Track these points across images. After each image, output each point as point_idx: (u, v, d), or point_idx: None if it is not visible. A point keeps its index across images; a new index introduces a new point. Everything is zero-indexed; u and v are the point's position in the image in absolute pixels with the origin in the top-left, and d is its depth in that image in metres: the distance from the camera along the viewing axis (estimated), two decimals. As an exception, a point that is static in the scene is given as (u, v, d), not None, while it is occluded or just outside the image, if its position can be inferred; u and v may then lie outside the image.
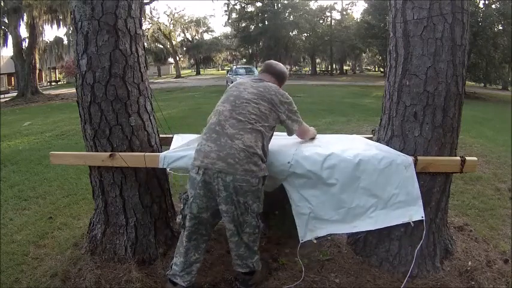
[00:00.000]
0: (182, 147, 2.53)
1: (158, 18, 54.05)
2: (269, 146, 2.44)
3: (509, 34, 18.68)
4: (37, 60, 22.07)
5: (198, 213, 2.12)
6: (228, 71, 24.38)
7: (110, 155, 2.44)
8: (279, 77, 2.44)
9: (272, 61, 2.55)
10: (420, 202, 2.28)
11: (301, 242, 2.33)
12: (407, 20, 2.31)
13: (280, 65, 2.51)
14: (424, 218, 2.28)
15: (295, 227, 2.34)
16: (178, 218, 2.24)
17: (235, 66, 26.26)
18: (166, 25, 41.56)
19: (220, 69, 59.51)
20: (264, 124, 2.13)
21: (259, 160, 2.04)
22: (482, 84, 26.24)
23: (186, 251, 2.18)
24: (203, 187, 2.06)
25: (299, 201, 2.31)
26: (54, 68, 38.68)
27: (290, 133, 2.43)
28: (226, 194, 2.01)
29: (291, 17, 36.83)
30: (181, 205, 2.22)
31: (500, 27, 20.11)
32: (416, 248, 2.35)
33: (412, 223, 2.29)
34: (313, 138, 2.64)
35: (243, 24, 38.08)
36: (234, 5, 37.89)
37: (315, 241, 2.32)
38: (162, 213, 2.78)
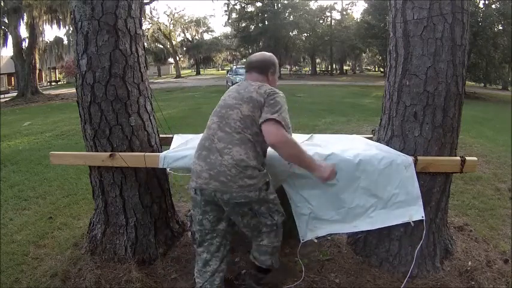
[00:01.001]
0: (182, 147, 2.53)
1: (158, 18, 54.15)
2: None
3: (509, 34, 18.68)
4: (37, 60, 22.06)
5: (212, 227, 2.06)
6: (228, 71, 24.38)
7: (110, 155, 2.44)
8: (261, 68, 2.13)
9: (251, 56, 2.25)
10: (420, 202, 2.28)
11: (301, 242, 2.33)
12: (407, 20, 2.31)
13: (258, 54, 2.21)
14: (424, 218, 2.28)
15: (295, 226, 2.34)
16: (190, 236, 2.20)
17: (235, 66, 26.28)
18: (166, 25, 41.56)
19: (220, 69, 59.50)
20: (252, 129, 1.91)
21: (254, 171, 1.88)
22: (482, 84, 26.23)
23: (204, 264, 2.11)
24: (206, 205, 2.00)
25: (299, 201, 2.31)
26: (54, 68, 38.65)
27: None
28: (229, 209, 1.96)
29: (291, 17, 36.81)
30: (189, 223, 2.19)
31: (500, 27, 20.11)
32: (417, 248, 2.35)
33: (412, 223, 2.29)
34: (292, 153, 1.94)
35: (243, 24, 38.06)
36: (234, 5, 37.89)
37: (315, 240, 2.33)
38: (162, 213, 2.78)
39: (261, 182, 1.92)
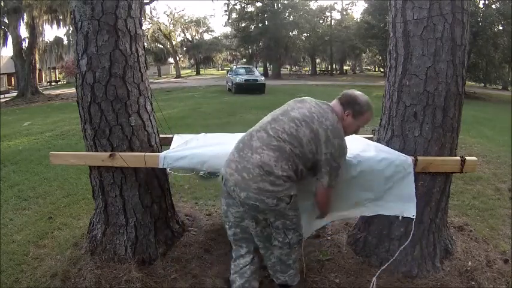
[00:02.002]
0: (182, 147, 2.53)
1: (158, 18, 54.12)
2: None
3: (509, 34, 18.68)
4: (37, 60, 22.04)
5: (236, 223, 2.05)
6: (228, 71, 24.35)
7: (110, 155, 2.44)
8: (347, 104, 2.01)
9: (352, 90, 2.11)
10: (414, 201, 2.29)
11: (304, 239, 2.32)
12: (407, 20, 2.31)
13: (356, 93, 2.06)
14: (414, 217, 2.28)
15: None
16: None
17: (235, 66, 26.24)
18: (166, 25, 41.55)
19: (220, 69, 59.49)
20: (294, 149, 1.85)
21: (278, 180, 1.81)
22: (482, 84, 26.25)
23: (237, 257, 2.13)
24: (229, 197, 1.97)
25: (300, 200, 2.31)
26: (54, 68, 38.64)
27: (316, 181, 2.03)
28: (244, 210, 1.92)
29: (291, 17, 36.78)
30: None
31: (500, 27, 20.12)
32: (420, 251, 2.35)
33: (400, 217, 2.32)
34: (324, 213, 2.24)
35: (243, 24, 38.02)
36: (234, 5, 37.85)
37: (314, 233, 2.35)
38: (162, 213, 2.78)
39: (283, 192, 1.84)
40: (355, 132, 2.12)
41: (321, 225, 2.48)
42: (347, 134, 2.05)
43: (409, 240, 2.31)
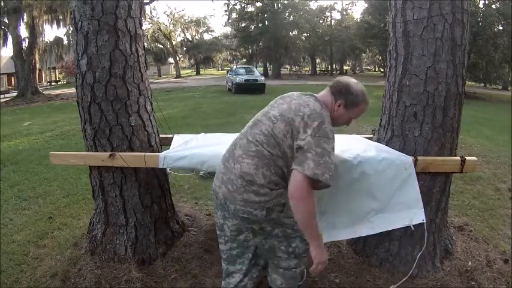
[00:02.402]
0: (182, 147, 2.53)
1: (158, 18, 54.08)
2: None
3: (509, 34, 18.68)
4: (37, 60, 22.04)
5: (233, 237, 1.89)
6: (228, 71, 24.35)
7: (110, 155, 2.44)
8: (339, 93, 1.81)
9: (346, 77, 1.92)
10: (421, 204, 2.24)
11: None
12: (407, 20, 2.31)
13: (350, 81, 1.86)
14: (424, 221, 2.25)
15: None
16: None
17: (235, 66, 26.24)
18: (166, 25, 41.55)
19: (220, 69, 59.50)
20: (274, 149, 1.67)
21: (262, 189, 1.66)
22: (482, 84, 26.25)
23: (227, 275, 1.96)
24: (223, 209, 1.83)
25: None
26: (54, 68, 38.63)
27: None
28: (239, 222, 1.79)
29: (291, 17, 36.77)
30: None
31: (500, 27, 20.12)
32: (419, 251, 2.34)
33: (412, 227, 2.27)
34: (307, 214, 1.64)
35: (243, 24, 38.01)
36: (234, 5, 37.85)
37: None
38: (162, 213, 2.78)
39: (271, 202, 1.68)
40: (347, 123, 1.91)
41: (324, 241, 2.27)
42: (337, 124, 1.85)
43: (425, 244, 2.28)
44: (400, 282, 2.29)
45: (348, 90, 1.80)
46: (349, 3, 44.61)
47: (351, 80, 1.86)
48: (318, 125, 1.63)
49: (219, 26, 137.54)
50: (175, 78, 38.47)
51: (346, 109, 1.81)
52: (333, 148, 1.66)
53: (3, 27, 21.06)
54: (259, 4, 36.90)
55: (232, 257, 1.94)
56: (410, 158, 2.27)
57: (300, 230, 1.76)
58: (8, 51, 25.98)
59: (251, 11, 37.45)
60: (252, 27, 37.70)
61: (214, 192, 1.81)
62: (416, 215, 2.25)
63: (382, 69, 41.24)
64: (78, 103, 2.58)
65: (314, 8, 40.18)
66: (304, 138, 1.61)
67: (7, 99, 20.70)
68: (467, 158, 2.33)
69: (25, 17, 20.43)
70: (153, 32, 39.10)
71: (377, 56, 40.12)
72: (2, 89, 28.69)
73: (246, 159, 1.69)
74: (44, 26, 21.96)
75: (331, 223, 2.27)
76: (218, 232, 1.94)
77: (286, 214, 1.75)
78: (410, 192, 2.25)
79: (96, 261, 2.56)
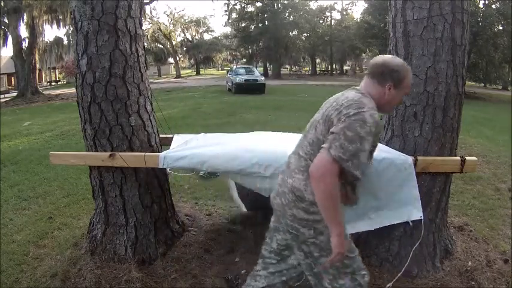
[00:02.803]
0: (182, 147, 2.53)
1: (158, 18, 54.09)
2: (265, 146, 2.39)
3: (509, 34, 18.68)
4: (37, 60, 22.03)
5: (278, 249, 1.82)
6: (228, 71, 24.35)
7: (110, 155, 2.44)
8: (381, 75, 1.61)
9: (379, 56, 1.70)
10: (419, 202, 2.27)
11: None
12: (407, 20, 2.31)
13: (385, 58, 1.67)
14: (422, 218, 2.28)
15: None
16: None
17: (235, 66, 26.24)
18: (166, 25, 41.56)
19: (220, 69, 59.48)
20: None
21: (311, 207, 1.57)
22: (482, 84, 26.25)
23: (253, 276, 1.90)
24: (277, 221, 1.78)
25: None
26: (54, 68, 38.63)
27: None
28: (288, 238, 1.72)
29: (291, 17, 36.80)
30: None
31: (500, 27, 20.12)
32: (413, 248, 2.34)
33: (410, 223, 2.29)
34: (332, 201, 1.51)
35: (243, 24, 38.03)
36: (234, 5, 37.87)
37: None
38: (162, 213, 2.78)
39: (321, 223, 1.58)
40: (400, 102, 1.75)
41: None
42: (391, 108, 1.72)
43: (420, 239, 2.29)
44: (395, 280, 2.29)
45: (389, 69, 1.61)
46: (349, 3, 44.63)
47: (386, 57, 1.69)
48: (354, 111, 1.48)
49: (219, 26, 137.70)
50: (175, 78, 38.48)
51: (397, 89, 1.62)
52: (368, 133, 1.46)
53: (3, 27, 21.06)
54: (259, 4, 36.91)
55: (268, 264, 1.87)
56: (410, 158, 2.27)
57: (350, 265, 1.66)
58: (8, 51, 26.00)
59: (251, 11, 37.47)
60: (252, 27, 37.72)
61: (271, 202, 1.75)
62: (414, 212, 2.28)
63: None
64: (78, 103, 2.58)
65: (314, 8, 40.25)
66: (337, 125, 1.49)
67: (7, 99, 20.71)
68: (467, 158, 2.33)
69: (25, 17, 20.43)
70: (153, 32, 39.11)
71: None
72: (2, 89, 28.70)
73: (297, 175, 1.63)
74: (44, 26, 21.99)
75: None
76: (267, 238, 1.87)
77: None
78: (409, 191, 2.27)
79: (96, 261, 2.56)
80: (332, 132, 1.48)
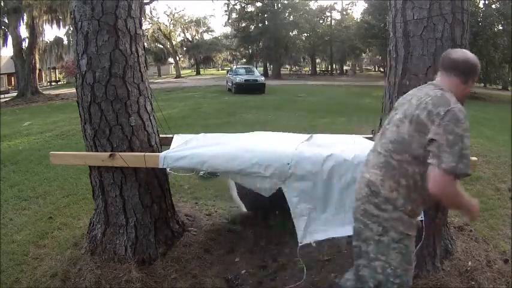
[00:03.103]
0: (182, 147, 2.53)
1: (158, 18, 54.05)
2: (265, 146, 2.39)
3: (509, 34, 18.69)
4: (37, 60, 22.02)
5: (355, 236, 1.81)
6: (228, 71, 24.34)
7: (110, 155, 2.44)
8: (454, 69, 1.64)
9: (448, 51, 1.74)
10: None
11: (300, 244, 2.31)
12: (407, 20, 2.31)
13: (457, 53, 1.70)
14: (423, 219, 2.27)
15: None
16: None
17: (235, 66, 26.24)
18: (166, 25, 41.55)
19: (220, 69, 59.46)
20: (403, 155, 1.58)
21: (384, 204, 1.59)
22: (482, 84, 26.24)
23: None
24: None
25: (298, 203, 2.29)
26: (54, 68, 38.62)
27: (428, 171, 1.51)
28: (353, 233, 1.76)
29: (291, 17, 36.79)
30: None
31: (500, 27, 20.13)
32: (415, 249, 2.34)
33: (423, 227, 2.27)
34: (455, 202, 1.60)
35: (243, 24, 38.01)
36: (234, 5, 37.85)
37: (314, 244, 2.30)
38: (162, 213, 2.78)
39: (390, 222, 1.60)
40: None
41: (322, 237, 2.30)
42: (463, 102, 1.71)
43: (421, 242, 2.26)
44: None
45: (468, 64, 1.65)
46: (349, 3, 44.61)
47: (462, 52, 1.72)
48: (444, 110, 1.49)
49: (219, 26, 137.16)
50: (175, 78, 38.47)
51: (471, 82, 1.69)
52: (466, 129, 1.48)
53: (3, 27, 21.06)
54: (259, 4, 36.91)
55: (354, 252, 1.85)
56: (410, 158, 2.27)
57: (401, 277, 1.64)
58: (8, 51, 25.92)
59: (251, 11, 37.46)
60: (252, 27, 37.71)
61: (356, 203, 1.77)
62: None
63: (382, 69, 41.23)
64: (78, 103, 2.58)
65: (314, 8, 40.22)
66: (434, 129, 1.49)
67: (7, 99, 20.70)
68: (467, 158, 2.33)
69: (25, 17, 20.42)
70: (153, 32, 39.10)
71: (377, 56, 40.08)
72: (2, 89, 28.69)
73: (375, 170, 1.67)
74: (44, 26, 21.98)
75: (331, 221, 2.29)
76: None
77: (399, 248, 1.61)
78: None
79: (96, 261, 2.56)
80: (432, 140, 1.48)
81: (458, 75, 1.64)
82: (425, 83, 2.26)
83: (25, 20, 20.54)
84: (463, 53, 1.69)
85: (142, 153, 2.46)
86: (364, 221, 1.65)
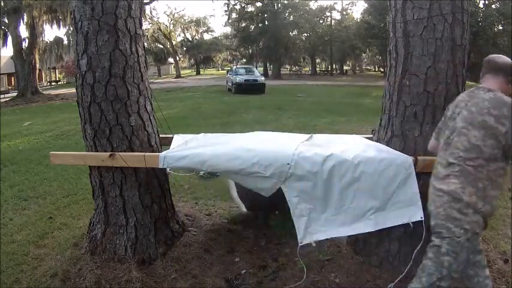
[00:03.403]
0: (182, 147, 2.53)
1: (158, 18, 54.00)
2: (265, 146, 2.39)
3: (509, 34, 18.70)
4: (37, 60, 22.04)
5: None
6: (228, 71, 24.35)
7: (110, 155, 2.44)
8: (502, 71, 1.86)
9: (492, 56, 1.94)
10: (419, 203, 2.27)
11: (300, 244, 2.31)
12: (407, 20, 2.31)
13: (501, 57, 1.91)
14: (423, 219, 2.27)
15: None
16: None
17: (235, 66, 26.24)
18: (166, 25, 41.55)
19: (220, 69, 59.45)
20: (476, 161, 1.74)
21: (466, 208, 1.75)
22: (482, 84, 26.24)
23: None
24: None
25: (298, 203, 2.29)
26: (54, 68, 38.62)
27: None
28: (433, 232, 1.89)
29: (291, 17, 36.78)
30: None
31: (500, 27, 20.14)
32: (416, 249, 2.34)
33: (411, 224, 2.28)
34: None
35: (243, 24, 38.00)
36: (234, 5, 37.83)
37: (314, 244, 2.30)
38: (162, 213, 2.78)
39: (471, 224, 1.76)
40: None
41: (322, 238, 2.33)
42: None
43: (421, 242, 2.27)
44: (397, 280, 2.28)
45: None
46: (349, 3, 44.54)
47: (509, 59, 1.90)
48: (507, 110, 1.71)
49: (219, 26, 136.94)
50: (175, 78, 38.47)
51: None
52: None
53: (3, 27, 21.07)
54: (259, 4, 36.91)
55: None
56: (410, 158, 2.28)
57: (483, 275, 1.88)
58: (8, 51, 25.92)
59: (251, 11, 37.46)
60: (252, 27, 37.70)
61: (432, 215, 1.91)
62: (415, 213, 2.27)
63: (382, 69, 41.23)
64: (78, 103, 2.58)
65: (314, 8, 40.20)
66: (506, 132, 1.70)
67: (7, 99, 20.71)
68: (467, 158, 2.33)
69: (25, 17, 20.43)
70: (153, 32, 39.09)
71: (377, 56, 40.08)
72: (2, 89, 28.69)
73: (452, 179, 1.79)
74: (44, 26, 22.01)
75: (331, 221, 2.29)
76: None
77: (470, 247, 1.82)
78: (409, 192, 2.27)
79: (96, 261, 2.56)
80: (507, 143, 1.71)
81: (505, 77, 1.85)
82: (426, 82, 2.29)
83: (25, 20, 20.56)
84: (505, 58, 1.90)
85: (142, 153, 2.46)
86: (447, 225, 1.79)
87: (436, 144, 2.05)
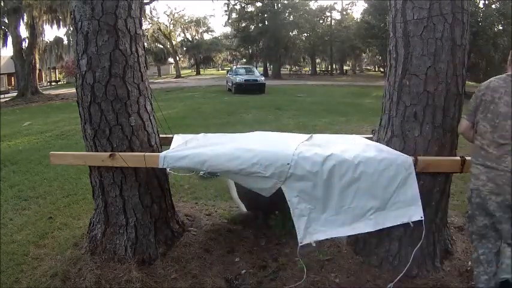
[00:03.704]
0: (182, 147, 2.53)
1: (158, 18, 53.96)
2: (265, 146, 2.41)
3: (509, 34, 18.67)
4: (37, 60, 22.03)
5: (479, 230, 2.09)
6: (228, 71, 24.35)
7: (110, 155, 2.44)
8: None
9: None
10: (419, 202, 2.27)
11: (300, 244, 2.31)
12: (407, 20, 2.31)
13: None
14: (423, 218, 2.27)
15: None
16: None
17: (235, 66, 26.24)
18: (166, 25, 41.54)
19: (220, 69, 59.44)
20: None
21: None
22: (482, 84, 26.25)
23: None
24: (477, 208, 2.05)
25: (298, 203, 2.30)
26: (54, 68, 38.62)
27: None
28: (501, 214, 1.96)
29: (291, 17, 36.76)
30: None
31: (500, 27, 20.12)
32: (415, 249, 2.34)
33: (411, 223, 2.29)
34: None
35: (243, 24, 38.00)
36: (234, 5, 37.82)
37: (314, 244, 2.30)
38: (162, 213, 2.78)
39: None
40: None
41: (322, 237, 2.34)
42: None
43: (421, 241, 2.29)
44: (397, 280, 2.29)
45: None
46: (349, 3, 44.55)
47: None
48: None
49: (219, 26, 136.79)
50: (175, 78, 38.47)
51: None
52: None
53: (3, 27, 21.06)
54: (259, 4, 36.90)
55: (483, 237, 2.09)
56: (410, 158, 2.28)
57: None
58: (8, 51, 25.92)
59: (251, 11, 37.45)
60: (252, 27, 37.70)
61: (475, 191, 2.03)
62: (415, 213, 2.28)
63: (382, 69, 41.22)
64: (78, 103, 2.58)
65: (314, 8, 40.17)
66: None
67: (7, 99, 20.71)
68: (467, 158, 2.33)
69: (25, 17, 20.43)
70: (153, 32, 39.08)
71: (377, 56, 40.08)
72: (2, 89, 28.68)
73: (510, 157, 1.90)
74: (44, 26, 22.00)
75: (331, 221, 2.29)
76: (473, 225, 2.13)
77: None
78: (410, 192, 2.27)
79: (96, 261, 2.56)
80: None
81: None
82: (426, 82, 2.29)
83: (25, 20, 20.55)
84: None
85: (142, 153, 2.46)
86: None
87: (468, 125, 2.13)
